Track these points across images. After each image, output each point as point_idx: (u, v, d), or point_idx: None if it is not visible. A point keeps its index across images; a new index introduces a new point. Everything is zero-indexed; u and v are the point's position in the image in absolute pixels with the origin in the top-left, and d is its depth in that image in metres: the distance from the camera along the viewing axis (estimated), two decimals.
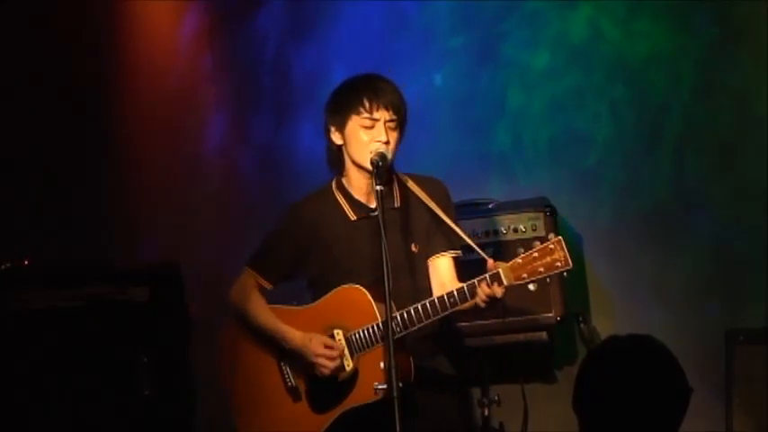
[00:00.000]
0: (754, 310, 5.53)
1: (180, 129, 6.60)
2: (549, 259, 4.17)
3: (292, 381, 4.53)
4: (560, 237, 4.20)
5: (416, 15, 6.21)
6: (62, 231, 6.41)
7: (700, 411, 3.36)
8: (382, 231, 4.13)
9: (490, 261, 4.24)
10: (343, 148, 4.47)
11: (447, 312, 4.28)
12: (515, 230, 5.56)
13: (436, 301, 4.28)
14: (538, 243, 4.24)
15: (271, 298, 4.62)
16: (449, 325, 4.55)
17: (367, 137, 4.38)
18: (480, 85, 6.08)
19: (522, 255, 4.21)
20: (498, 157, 6.05)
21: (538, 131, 6.00)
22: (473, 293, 4.23)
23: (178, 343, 5.61)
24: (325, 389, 4.45)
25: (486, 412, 5.46)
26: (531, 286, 4.24)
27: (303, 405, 4.50)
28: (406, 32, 6.22)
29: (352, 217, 4.49)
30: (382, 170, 4.31)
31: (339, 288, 4.44)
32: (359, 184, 4.49)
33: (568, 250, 4.16)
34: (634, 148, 5.86)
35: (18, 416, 5.31)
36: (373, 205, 4.45)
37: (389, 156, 4.36)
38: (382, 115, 4.38)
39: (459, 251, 4.52)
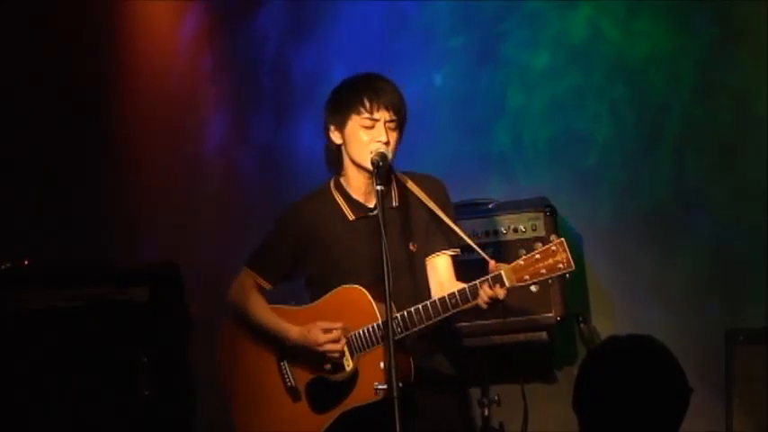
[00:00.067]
0: (754, 310, 5.53)
1: (180, 129, 6.60)
2: (551, 261, 4.17)
3: (292, 381, 4.53)
4: (563, 238, 4.19)
5: (416, 15, 6.21)
6: (62, 231, 6.41)
7: (700, 411, 3.36)
8: (383, 231, 4.13)
9: (492, 262, 4.24)
10: (343, 147, 4.47)
11: (448, 314, 4.28)
12: (515, 230, 5.56)
13: (437, 302, 4.28)
14: (540, 244, 4.26)
15: (270, 298, 4.62)
16: (448, 325, 4.55)
17: (367, 137, 4.38)
18: (480, 85, 6.08)
19: (524, 256, 4.20)
20: (498, 157, 6.05)
21: (538, 131, 6.00)
22: (475, 295, 4.23)
23: (178, 343, 5.61)
24: (325, 389, 4.45)
25: (486, 412, 5.46)
26: (532, 288, 4.23)
27: (303, 405, 4.50)
28: (406, 32, 6.22)
29: (351, 217, 4.49)
30: (382, 170, 4.31)
31: (339, 288, 4.44)
32: (357, 184, 4.49)
33: (570, 252, 4.16)
34: (634, 148, 5.85)
35: (18, 416, 5.31)
36: (371, 205, 4.45)
37: (390, 156, 4.36)
38: (382, 115, 4.38)
39: (457, 250, 4.52)
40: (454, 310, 4.27)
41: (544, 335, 5.55)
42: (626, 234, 5.83)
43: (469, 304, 4.25)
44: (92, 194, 6.55)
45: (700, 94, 5.75)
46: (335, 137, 4.47)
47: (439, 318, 4.29)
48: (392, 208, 4.46)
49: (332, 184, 4.56)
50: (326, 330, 4.40)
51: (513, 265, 4.20)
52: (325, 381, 4.45)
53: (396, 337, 4.16)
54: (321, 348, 4.40)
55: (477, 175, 6.01)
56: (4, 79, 6.50)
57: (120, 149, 6.62)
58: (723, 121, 5.70)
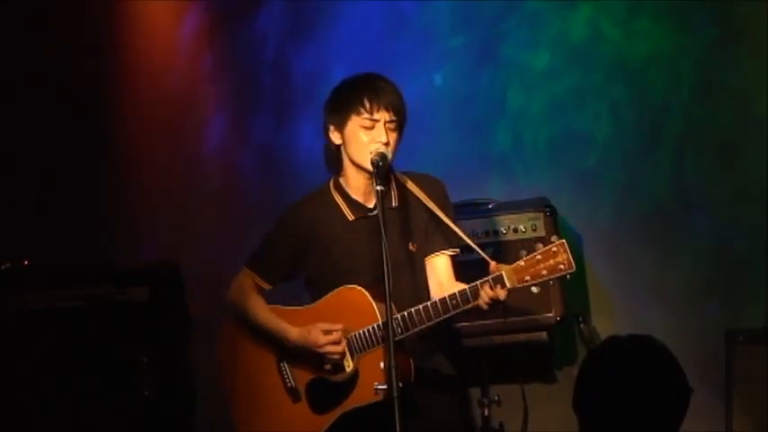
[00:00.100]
0: (754, 310, 5.53)
1: (180, 129, 6.60)
2: (552, 262, 4.17)
3: (292, 381, 4.52)
4: (563, 239, 4.19)
5: (416, 15, 6.21)
6: (62, 231, 6.41)
7: (700, 411, 3.36)
8: (383, 232, 4.13)
9: (493, 263, 4.24)
10: (342, 147, 4.47)
11: (449, 314, 4.28)
12: (515, 230, 5.56)
13: (438, 303, 4.28)
14: (540, 245, 4.24)
15: (270, 298, 4.62)
16: (448, 325, 4.55)
17: (367, 137, 4.38)
18: (480, 85, 6.08)
19: (525, 257, 4.20)
20: (498, 157, 6.05)
21: (538, 131, 6.00)
22: (476, 295, 4.23)
23: (178, 343, 5.61)
24: (325, 389, 4.45)
25: (486, 412, 5.46)
26: (533, 289, 4.23)
27: (303, 406, 4.50)
28: (406, 32, 6.21)
29: (351, 217, 4.49)
30: (382, 170, 4.31)
31: (339, 289, 4.44)
32: (357, 184, 4.49)
33: (571, 252, 4.16)
34: (634, 148, 5.85)
35: (18, 416, 5.30)
36: (371, 205, 4.45)
37: (389, 156, 4.36)
38: (382, 116, 4.38)
39: (457, 249, 4.52)
40: (455, 311, 4.27)
41: (544, 335, 5.55)
42: (626, 234, 5.83)
43: (470, 305, 4.25)
44: (92, 194, 6.55)
45: (700, 94, 5.75)
46: (335, 137, 4.47)
47: (439, 318, 4.28)
48: (392, 208, 4.46)
49: (331, 185, 4.55)
50: (327, 332, 4.40)
51: (513, 265, 4.20)
52: (325, 381, 4.45)
53: (396, 338, 4.16)
54: (321, 350, 4.40)
55: (477, 175, 6.01)
56: (4, 79, 6.50)
57: (120, 149, 6.62)
58: (723, 121, 5.70)
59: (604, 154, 5.89)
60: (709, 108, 5.73)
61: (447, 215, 4.47)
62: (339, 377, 4.43)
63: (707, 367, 5.30)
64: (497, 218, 5.59)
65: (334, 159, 4.52)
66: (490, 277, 4.21)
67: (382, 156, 4.32)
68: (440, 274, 4.49)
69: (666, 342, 3.09)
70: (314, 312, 4.49)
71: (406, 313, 4.29)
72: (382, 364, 4.24)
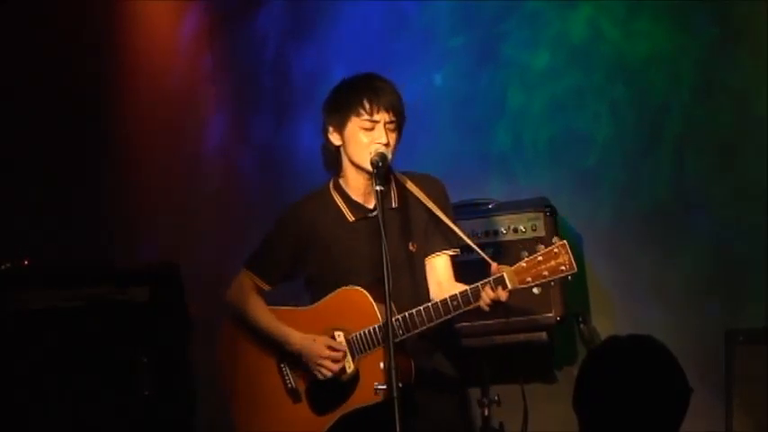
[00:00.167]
0: (754, 310, 5.53)
1: (180, 129, 6.60)
2: (553, 263, 4.17)
3: (292, 382, 4.52)
4: (565, 240, 4.19)
5: (416, 15, 6.21)
6: (62, 231, 6.40)
7: (700, 411, 3.36)
8: (383, 233, 4.13)
9: (494, 265, 4.24)
10: (342, 148, 4.47)
11: (450, 315, 4.28)
12: (515, 231, 5.56)
13: (439, 304, 4.28)
14: (541, 245, 4.23)
15: (270, 298, 4.62)
16: (448, 326, 4.54)
17: (367, 138, 4.38)
18: (480, 85, 6.08)
19: (527, 258, 4.20)
20: (498, 157, 6.05)
21: (538, 131, 6.00)
22: (477, 297, 4.23)
23: (178, 343, 5.60)
24: (326, 390, 4.44)
25: (486, 412, 5.46)
26: (535, 290, 4.23)
27: (303, 406, 4.50)
28: (406, 32, 6.21)
29: (351, 218, 4.49)
30: (382, 171, 4.30)
31: (340, 289, 4.43)
32: (356, 185, 4.49)
33: (572, 253, 4.16)
34: (634, 148, 5.86)
35: (18, 416, 5.30)
36: (371, 206, 4.45)
37: (389, 157, 4.36)
38: (382, 117, 4.38)
39: (457, 250, 4.52)
40: (456, 312, 4.27)
41: (544, 335, 5.55)
42: (626, 234, 5.83)
43: (471, 306, 4.25)
44: (92, 194, 6.55)
45: (700, 94, 5.75)
46: (334, 138, 4.47)
47: (440, 320, 4.28)
48: (392, 209, 4.46)
49: (331, 185, 4.55)
50: (331, 348, 4.40)
51: (515, 267, 4.20)
52: (325, 382, 4.45)
53: (396, 339, 4.16)
54: (319, 361, 4.40)
55: (477, 175, 6.01)
56: (4, 79, 6.49)
57: (120, 149, 6.62)
58: (723, 121, 5.70)
59: (604, 154, 5.89)
60: (709, 108, 5.73)
61: (447, 215, 4.47)
62: (340, 378, 4.42)
63: (707, 367, 5.30)
64: (497, 218, 5.59)
65: (333, 160, 4.52)
66: (491, 278, 4.21)
67: (382, 156, 4.32)
68: (439, 275, 4.49)
69: (666, 342, 3.09)
70: (314, 313, 4.49)
71: (406, 314, 4.29)
72: (382, 365, 4.24)
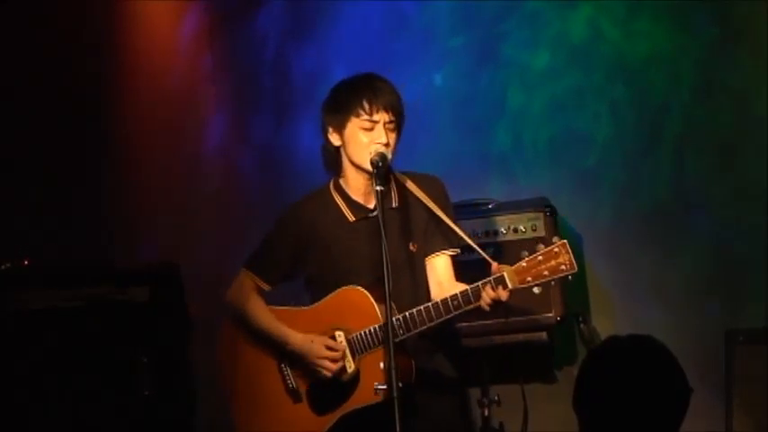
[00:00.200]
0: (754, 310, 5.53)
1: (180, 129, 6.60)
2: (553, 263, 4.17)
3: (293, 382, 4.52)
4: (565, 240, 4.19)
5: (416, 15, 6.21)
6: (62, 231, 6.40)
7: (700, 411, 3.36)
8: (382, 233, 4.13)
9: (495, 264, 4.23)
10: (342, 149, 4.47)
11: (450, 315, 4.28)
12: (515, 231, 5.55)
13: (440, 303, 4.28)
14: (541, 245, 4.23)
15: (270, 298, 4.61)
16: (449, 325, 4.54)
17: (367, 139, 4.38)
18: (480, 85, 6.08)
19: (527, 258, 4.20)
20: (498, 157, 6.05)
21: (538, 131, 6.00)
22: (477, 296, 4.23)
23: (178, 343, 5.60)
24: (327, 390, 4.44)
25: (486, 412, 5.46)
26: (535, 289, 4.23)
27: (304, 406, 4.50)
28: (406, 32, 6.21)
29: (351, 218, 4.49)
30: (382, 171, 4.30)
31: (340, 289, 4.43)
32: (357, 185, 4.49)
33: (573, 251, 4.16)
34: (634, 148, 5.86)
35: (18, 416, 5.30)
36: (371, 206, 4.44)
37: (389, 157, 4.36)
38: (382, 117, 4.38)
39: (457, 249, 4.51)
40: (456, 312, 4.27)
41: (544, 335, 5.55)
42: (626, 234, 5.83)
43: (471, 306, 4.25)
44: (92, 194, 6.54)
45: (700, 94, 5.75)
46: (334, 139, 4.47)
47: (441, 319, 4.28)
48: (392, 208, 4.46)
49: (331, 186, 4.55)
50: (329, 348, 4.40)
51: (515, 266, 4.20)
52: (326, 382, 4.45)
53: (397, 339, 4.16)
54: (318, 362, 4.40)
55: (477, 175, 6.01)
56: (4, 79, 6.49)
57: (120, 149, 6.62)
58: (723, 121, 5.71)
59: (604, 154, 5.89)
60: (709, 108, 5.73)
61: (447, 215, 4.47)
62: (340, 378, 4.42)
63: (707, 367, 5.30)
64: (497, 218, 5.59)
65: (333, 161, 4.52)
66: (492, 278, 4.21)
67: (382, 156, 4.32)
68: (440, 274, 4.49)
69: (666, 342, 3.09)
70: (315, 313, 4.49)
71: (407, 314, 4.29)
72: (382, 365, 4.24)
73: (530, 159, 6.00)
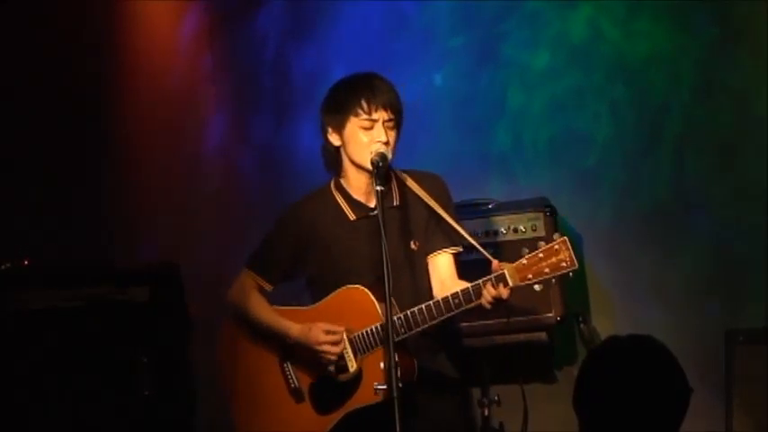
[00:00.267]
0: (754, 310, 5.53)
1: (180, 129, 6.60)
2: (554, 260, 4.17)
3: (296, 382, 4.52)
4: (565, 237, 4.19)
5: (416, 15, 6.21)
6: (62, 231, 6.40)
7: (700, 411, 3.36)
8: (382, 233, 4.12)
9: (495, 262, 4.23)
10: (342, 149, 4.47)
11: (452, 314, 4.27)
12: (515, 231, 5.56)
13: (441, 302, 4.28)
14: (543, 243, 4.23)
15: (271, 299, 4.62)
16: (451, 325, 4.54)
17: (366, 138, 4.38)
18: (480, 85, 6.08)
19: (527, 255, 4.19)
20: (498, 157, 6.05)
21: (538, 131, 6.00)
22: (478, 294, 4.22)
23: (178, 343, 5.60)
24: (329, 390, 4.44)
25: (486, 412, 5.45)
26: (536, 287, 4.22)
27: (306, 406, 4.50)
28: (406, 32, 6.22)
29: (352, 217, 4.49)
30: (382, 170, 4.30)
31: (341, 289, 4.43)
32: (358, 184, 4.49)
33: (574, 250, 4.16)
34: (634, 148, 5.86)
35: (18, 416, 5.30)
36: (372, 204, 4.44)
37: (389, 156, 4.36)
38: (381, 116, 4.38)
39: (459, 247, 4.51)
40: (457, 310, 4.26)
41: (544, 335, 5.55)
42: (626, 234, 5.83)
43: (473, 304, 4.25)
44: (92, 194, 6.55)
45: (700, 94, 5.75)
46: (334, 139, 4.47)
47: (442, 318, 4.28)
48: (393, 207, 4.45)
49: (332, 185, 4.55)
50: (328, 332, 4.40)
51: (516, 264, 4.20)
52: (328, 381, 4.45)
53: (398, 338, 4.16)
54: (319, 348, 4.39)
55: (477, 175, 6.01)
56: (4, 79, 6.50)
57: (120, 149, 6.62)
58: (723, 121, 5.71)
59: (604, 154, 5.89)
60: (709, 108, 5.73)
61: (448, 213, 4.47)
62: (343, 377, 4.43)
63: (707, 367, 5.30)
64: (497, 218, 5.59)
65: (333, 161, 4.52)
66: (493, 276, 4.20)
67: (382, 156, 4.32)
68: (442, 273, 4.49)
69: (666, 342, 3.09)
70: (316, 313, 4.49)
71: (408, 312, 4.29)
72: (382, 365, 4.24)
73: (530, 159, 6.00)
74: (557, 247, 4.17)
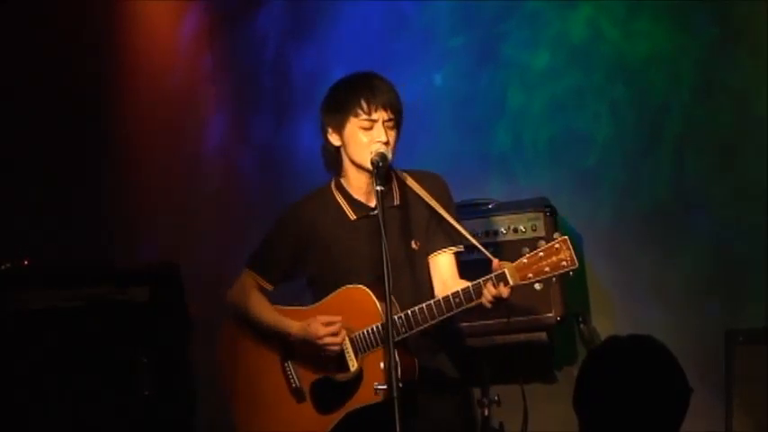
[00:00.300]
0: (754, 310, 5.53)
1: (180, 129, 6.60)
2: (554, 259, 4.17)
3: (297, 382, 4.52)
4: (566, 236, 4.19)
5: (416, 15, 6.21)
6: (62, 231, 6.41)
7: (700, 411, 3.36)
8: (383, 233, 4.12)
9: (495, 261, 4.23)
10: (342, 149, 4.47)
11: (452, 313, 4.27)
12: (515, 231, 5.56)
13: (441, 301, 4.28)
14: (543, 243, 4.23)
15: (272, 299, 4.62)
16: (451, 324, 4.54)
17: (366, 138, 4.38)
18: (480, 85, 6.08)
19: (528, 254, 4.20)
20: (498, 157, 6.05)
21: (538, 131, 6.00)
22: (478, 293, 4.22)
23: (178, 343, 5.60)
24: (330, 389, 4.44)
25: (486, 412, 5.45)
26: (537, 286, 4.22)
27: (307, 406, 4.50)
28: (406, 32, 6.22)
29: (352, 217, 4.49)
30: (382, 170, 4.30)
31: (342, 288, 4.43)
32: (358, 184, 4.49)
33: (574, 249, 4.16)
34: (634, 148, 5.86)
35: (18, 416, 5.30)
36: (373, 204, 4.44)
37: (389, 155, 4.36)
38: (380, 116, 4.38)
39: (460, 246, 4.51)
40: (458, 309, 4.26)
41: (544, 335, 5.55)
42: (626, 234, 5.83)
43: (473, 303, 4.25)
44: (92, 194, 6.55)
45: (700, 94, 5.75)
46: (334, 139, 4.47)
47: (443, 317, 4.28)
48: (393, 207, 4.45)
49: (333, 185, 4.55)
50: (327, 324, 4.39)
51: (516, 263, 4.20)
52: (329, 381, 4.45)
53: (398, 337, 4.16)
54: (320, 341, 4.39)
55: (477, 175, 6.01)
56: (4, 79, 6.50)
57: (120, 149, 6.62)
58: (723, 121, 5.71)
59: (604, 154, 5.89)
60: (709, 108, 5.73)
61: (449, 212, 4.47)
62: (344, 377, 4.42)
63: (707, 367, 5.30)
64: (497, 218, 5.59)
65: (333, 161, 4.52)
66: (493, 275, 4.20)
67: (382, 156, 4.32)
68: (443, 272, 4.49)
69: (666, 342, 3.09)
70: (317, 312, 4.48)
71: (409, 312, 4.29)
72: (382, 365, 4.24)
73: (530, 159, 6.00)
74: (557, 246, 4.17)
